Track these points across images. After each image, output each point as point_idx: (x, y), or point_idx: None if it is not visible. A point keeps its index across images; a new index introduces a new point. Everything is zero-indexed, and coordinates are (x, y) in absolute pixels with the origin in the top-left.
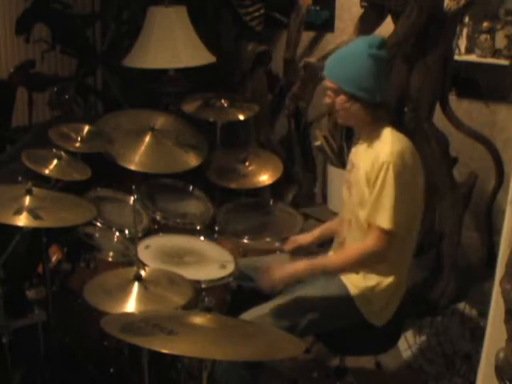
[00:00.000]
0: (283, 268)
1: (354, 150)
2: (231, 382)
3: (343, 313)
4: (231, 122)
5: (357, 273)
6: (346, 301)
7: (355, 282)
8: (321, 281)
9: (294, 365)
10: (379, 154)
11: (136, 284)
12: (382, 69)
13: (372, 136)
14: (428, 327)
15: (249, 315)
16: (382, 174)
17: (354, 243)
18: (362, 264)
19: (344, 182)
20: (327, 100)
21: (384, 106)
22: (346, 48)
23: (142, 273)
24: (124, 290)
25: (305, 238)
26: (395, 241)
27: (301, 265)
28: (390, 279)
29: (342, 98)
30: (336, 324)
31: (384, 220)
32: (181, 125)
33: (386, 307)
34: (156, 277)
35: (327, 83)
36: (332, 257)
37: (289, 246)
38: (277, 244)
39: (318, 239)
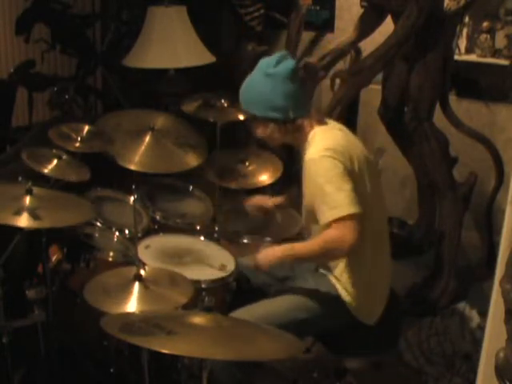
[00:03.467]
0: (266, 255)
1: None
2: (225, 381)
3: (333, 312)
4: (231, 122)
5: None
6: (335, 300)
7: (342, 283)
8: (310, 281)
9: (293, 365)
10: (306, 156)
11: (136, 284)
12: (287, 84)
13: (305, 145)
14: (428, 327)
15: (239, 314)
16: (311, 171)
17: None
18: (326, 254)
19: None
20: (256, 132)
21: (307, 117)
22: (249, 75)
23: (142, 272)
24: (124, 290)
25: (267, 201)
26: (355, 225)
27: (279, 252)
28: (367, 273)
29: (258, 124)
30: (327, 324)
31: (332, 213)
32: (181, 125)
33: (373, 304)
34: (156, 276)
35: (244, 113)
36: (301, 245)
37: (249, 203)
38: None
39: (280, 204)
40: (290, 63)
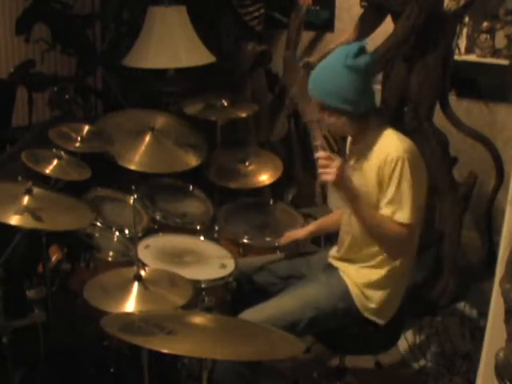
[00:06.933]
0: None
1: (350, 153)
2: (231, 380)
3: (344, 310)
4: (231, 121)
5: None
6: (345, 298)
7: (355, 279)
8: (321, 278)
9: (294, 365)
10: (389, 151)
11: (136, 284)
12: (362, 78)
13: (372, 140)
14: (428, 327)
15: (249, 314)
16: (398, 168)
17: (355, 249)
18: (384, 242)
19: None
20: (320, 116)
21: (374, 112)
22: (325, 61)
23: (142, 272)
24: (124, 290)
25: (300, 233)
26: (414, 236)
27: (350, 187)
28: (392, 274)
29: (327, 113)
30: (337, 322)
31: (404, 215)
32: (181, 125)
33: (387, 303)
34: (156, 276)
35: (314, 99)
36: (366, 205)
37: (284, 241)
38: (276, 243)
39: (312, 234)
40: (368, 57)
